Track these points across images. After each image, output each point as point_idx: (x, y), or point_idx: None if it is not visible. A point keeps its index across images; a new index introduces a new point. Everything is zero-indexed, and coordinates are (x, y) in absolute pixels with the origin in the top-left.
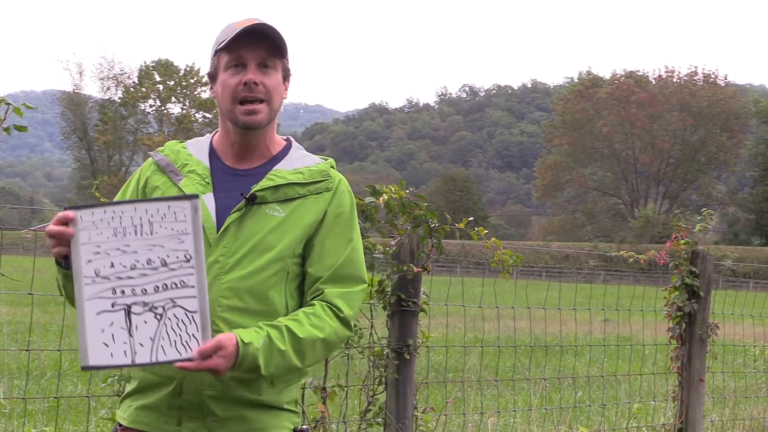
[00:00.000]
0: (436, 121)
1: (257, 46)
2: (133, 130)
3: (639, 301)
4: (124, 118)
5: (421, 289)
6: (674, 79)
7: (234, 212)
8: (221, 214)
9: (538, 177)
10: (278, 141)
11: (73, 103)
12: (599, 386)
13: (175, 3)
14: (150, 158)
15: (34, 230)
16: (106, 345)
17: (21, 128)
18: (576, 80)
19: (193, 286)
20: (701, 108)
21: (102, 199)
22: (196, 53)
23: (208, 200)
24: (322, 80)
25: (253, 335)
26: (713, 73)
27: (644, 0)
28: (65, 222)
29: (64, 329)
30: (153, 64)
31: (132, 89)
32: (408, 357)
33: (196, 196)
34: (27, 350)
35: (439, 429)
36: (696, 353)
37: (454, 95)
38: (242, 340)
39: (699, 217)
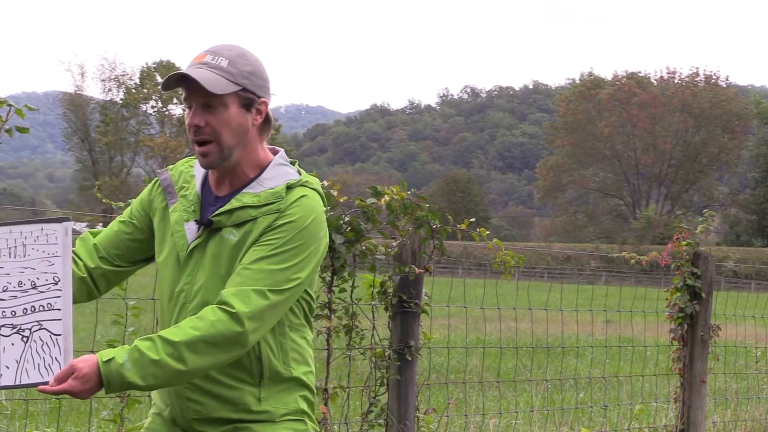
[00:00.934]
0: (437, 122)
1: (194, 87)
2: (134, 132)
3: (641, 303)
4: (125, 120)
5: (423, 290)
6: (676, 80)
7: (195, 240)
8: None
9: (540, 178)
10: (262, 159)
11: (75, 104)
12: (601, 387)
13: (176, 4)
14: (157, 178)
15: None
16: None
17: (23, 129)
18: (577, 81)
19: (59, 309)
20: (703, 109)
21: (104, 200)
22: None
23: (190, 228)
24: (324, 81)
25: (117, 352)
26: (715, 74)
27: (646, 1)
28: None
29: None
30: (155, 66)
31: (134, 90)
32: (410, 358)
33: (67, 219)
34: None
35: (440, 430)
36: (698, 354)
37: (455, 96)
38: (101, 359)
39: (701, 219)
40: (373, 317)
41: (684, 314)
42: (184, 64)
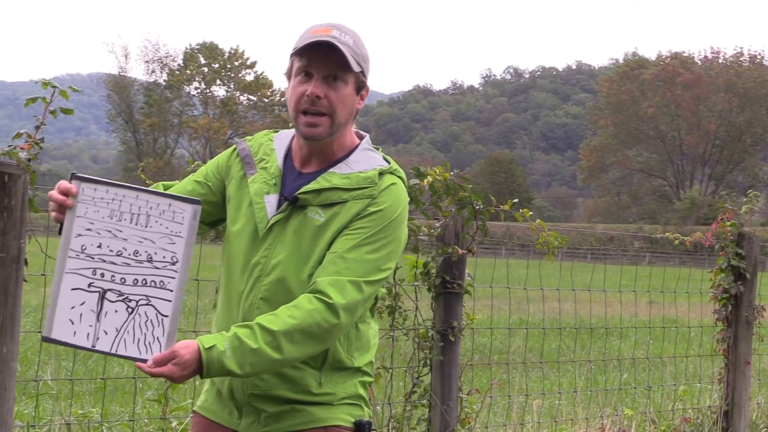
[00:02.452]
0: (480, 103)
1: (326, 58)
2: (178, 113)
3: (684, 283)
4: (169, 101)
5: (466, 271)
6: (720, 60)
7: (277, 214)
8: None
9: (583, 159)
10: (350, 142)
11: (119, 85)
12: (644, 368)
13: None
14: (234, 146)
15: None
16: (72, 322)
17: (67, 111)
18: (621, 61)
19: (171, 290)
20: (747, 89)
21: (147, 182)
22: (240, 36)
23: (270, 201)
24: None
25: (217, 339)
26: (759, 53)
27: None
28: (67, 193)
29: None
30: (198, 47)
31: (177, 72)
32: (453, 339)
33: (198, 202)
34: None
35: (484, 411)
36: (742, 335)
37: (498, 77)
38: (203, 346)
39: (745, 199)
40: (417, 298)
41: (728, 295)
42: (228, 46)
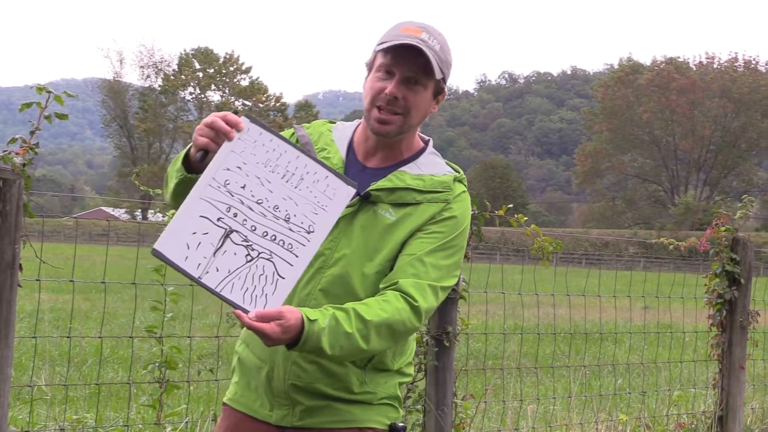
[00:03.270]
0: (475, 108)
1: (411, 61)
2: (173, 118)
3: (679, 288)
4: (164, 106)
5: (461, 276)
6: (715, 66)
7: (347, 207)
8: None
9: (578, 164)
10: (416, 144)
11: (114, 90)
12: (639, 373)
13: None
14: (293, 129)
15: (75, 218)
16: (188, 247)
17: (62, 116)
18: (616, 67)
19: (297, 257)
20: (742, 94)
21: (141, 187)
22: (235, 41)
23: None
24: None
25: (319, 314)
26: (754, 59)
27: None
28: (234, 125)
29: (105, 316)
30: (192, 52)
31: (172, 77)
32: (447, 344)
33: (355, 187)
34: (68, 337)
35: (478, 416)
36: (737, 340)
37: (493, 82)
38: (308, 317)
39: (740, 204)
40: None
41: (723, 300)
42: (222, 51)
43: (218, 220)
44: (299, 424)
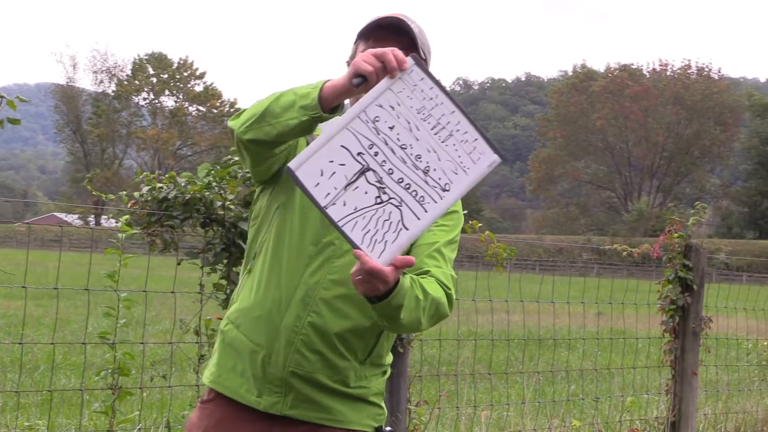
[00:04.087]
0: None
1: (393, 41)
2: (126, 123)
3: (632, 295)
4: (117, 111)
5: None
6: (668, 73)
7: None
8: None
9: (532, 170)
10: None
11: (67, 96)
12: (592, 379)
13: None
14: None
15: (27, 223)
16: (321, 174)
17: (14, 121)
18: (570, 73)
19: (426, 212)
20: (695, 101)
21: (94, 193)
22: (189, 46)
23: None
24: (319, 73)
25: (403, 277)
26: (707, 66)
27: None
28: (399, 63)
29: (58, 322)
30: (146, 57)
31: (125, 82)
32: (402, 350)
33: (500, 156)
34: (20, 343)
35: (432, 422)
36: (689, 346)
37: (448, 88)
38: (404, 272)
39: (692, 211)
40: None
41: (675, 306)
42: (176, 57)
43: (358, 154)
44: (289, 413)
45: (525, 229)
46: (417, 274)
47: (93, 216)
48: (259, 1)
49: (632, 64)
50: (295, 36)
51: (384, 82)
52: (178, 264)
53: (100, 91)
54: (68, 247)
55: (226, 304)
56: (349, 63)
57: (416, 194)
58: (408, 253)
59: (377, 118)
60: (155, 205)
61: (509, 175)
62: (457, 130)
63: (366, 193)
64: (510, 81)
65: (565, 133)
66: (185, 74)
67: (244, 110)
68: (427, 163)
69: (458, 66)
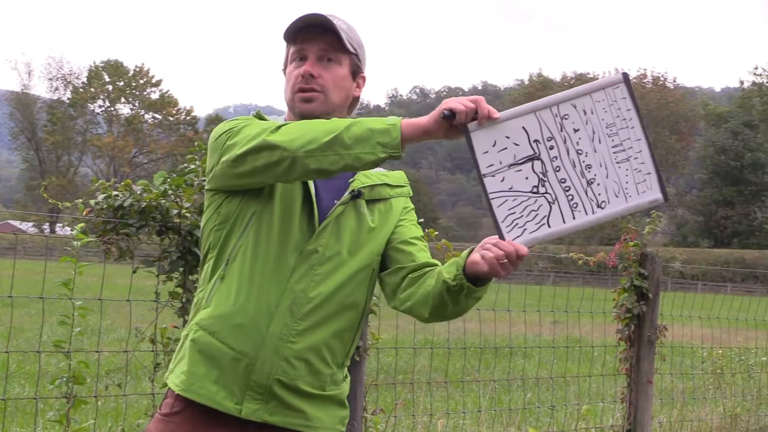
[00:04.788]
0: None
1: (319, 39)
2: (82, 131)
3: (588, 303)
4: (72, 119)
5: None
6: None
7: (339, 205)
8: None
9: None
10: None
11: (22, 103)
12: (548, 388)
13: (124, 3)
14: (255, 114)
15: None
16: (494, 144)
17: None
18: (526, 82)
19: (574, 218)
20: (650, 110)
21: (50, 200)
22: (145, 54)
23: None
24: (273, 81)
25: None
26: (662, 75)
27: (593, 2)
28: (491, 113)
29: (12, 330)
30: (102, 65)
31: (81, 90)
32: (358, 359)
33: (665, 199)
34: None
35: (388, 430)
36: (644, 355)
37: (404, 97)
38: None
39: (648, 220)
40: None
41: (631, 315)
42: (132, 64)
43: (534, 141)
44: (270, 419)
45: (481, 237)
46: (424, 266)
47: (48, 224)
48: (215, 9)
49: (588, 73)
50: (251, 44)
51: (586, 86)
52: (134, 272)
53: (55, 98)
54: (23, 255)
55: (182, 312)
56: (284, 71)
57: (572, 199)
58: (404, 246)
59: (566, 116)
60: (111, 213)
61: (466, 183)
62: (635, 158)
63: (527, 178)
64: (467, 89)
65: None
66: (141, 82)
67: (280, 124)
68: (595, 175)
69: (415, 74)
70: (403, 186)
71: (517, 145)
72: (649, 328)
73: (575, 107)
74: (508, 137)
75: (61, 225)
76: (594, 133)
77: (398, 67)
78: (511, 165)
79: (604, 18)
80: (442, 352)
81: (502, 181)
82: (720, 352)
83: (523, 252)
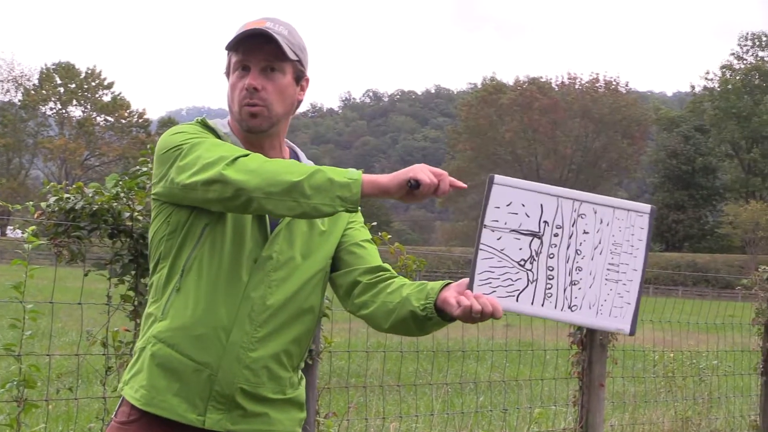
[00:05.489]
0: (339, 126)
1: (261, 50)
2: (33, 133)
3: None
4: (24, 121)
5: (325, 294)
6: (576, 86)
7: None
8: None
9: None
10: (286, 147)
11: None
12: (501, 391)
13: (75, 4)
14: (199, 121)
15: None
16: (507, 204)
17: None
18: (479, 86)
19: (542, 306)
20: (603, 114)
21: (0, 203)
22: (97, 56)
23: None
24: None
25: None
26: (615, 80)
27: (548, 8)
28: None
29: None
30: (54, 67)
31: (32, 92)
32: (310, 362)
33: (631, 332)
34: None
35: None
36: (596, 358)
37: (357, 100)
38: None
39: None
40: None
41: None
42: (84, 66)
43: (544, 222)
44: (233, 428)
45: (434, 241)
46: (386, 275)
47: None
48: (167, 11)
49: (541, 78)
50: (204, 47)
51: (615, 201)
52: (86, 275)
53: (6, 100)
54: None
55: (134, 315)
56: (226, 74)
57: (549, 288)
58: (355, 249)
59: (583, 215)
60: (62, 215)
61: None
62: (624, 285)
63: (520, 249)
64: (420, 93)
65: (474, 146)
66: (93, 84)
67: (237, 156)
68: (580, 279)
69: (368, 78)
70: None
71: (528, 216)
72: (601, 331)
73: (595, 213)
74: (523, 205)
75: (11, 228)
76: (600, 243)
77: (351, 69)
78: (513, 230)
79: (557, 23)
80: (395, 356)
81: (498, 239)
82: (671, 355)
83: (499, 315)
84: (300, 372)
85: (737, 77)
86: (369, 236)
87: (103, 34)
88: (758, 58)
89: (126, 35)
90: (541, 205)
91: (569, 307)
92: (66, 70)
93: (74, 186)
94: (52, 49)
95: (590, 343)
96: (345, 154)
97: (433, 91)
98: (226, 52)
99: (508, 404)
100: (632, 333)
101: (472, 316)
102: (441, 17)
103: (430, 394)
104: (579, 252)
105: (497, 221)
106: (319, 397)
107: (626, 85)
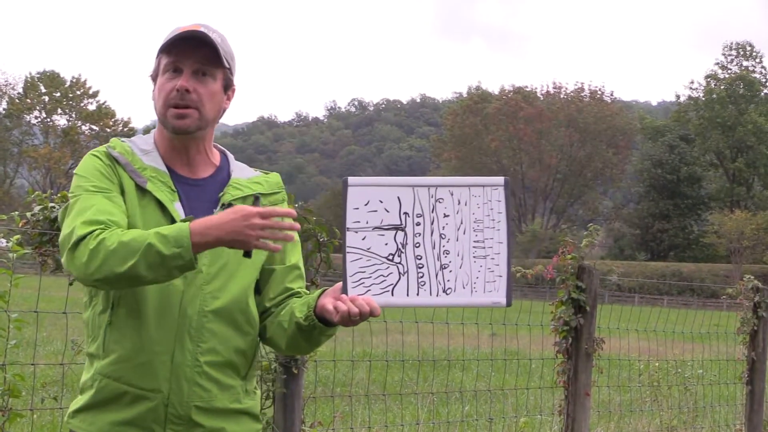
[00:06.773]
0: (325, 135)
1: (195, 52)
2: (17, 142)
3: (526, 316)
4: (8, 130)
5: None
6: (561, 95)
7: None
8: None
9: None
10: (216, 151)
11: None
12: (486, 400)
13: (60, 13)
14: (104, 150)
15: None
16: (365, 204)
17: None
18: (465, 95)
19: (417, 295)
20: (588, 124)
21: None
22: (82, 65)
23: (179, 209)
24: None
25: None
26: (600, 89)
27: (533, 17)
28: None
29: None
30: (38, 75)
31: (17, 100)
32: (296, 371)
33: (508, 304)
34: None
35: None
36: (582, 367)
37: (343, 109)
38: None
39: (585, 232)
40: None
41: (568, 327)
42: (69, 75)
43: (404, 213)
44: None
45: None
46: (289, 295)
47: None
48: (152, 21)
49: (526, 87)
50: None
51: (468, 179)
52: (70, 284)
53: None
54: None
55: None
56: (153, 78)
57: (421, 276)
58: (276, 273)
59: (441, 200)
60: (47, 224)
61: None
62: (492, 259)
63: (386, 244)
64: (405, 102)
65: (460, 155)
66: (78, 93)
67: (88, 233)
68: (450, 262)
69: (353, 87)
70: (277, 193)
71: (388, 211)
72: (587, 340)
73: (452, 195)
74: (381, 201)
75: None
76: (461, 223)
77: (337, 78)
78: (376, 228)
79: (543, 33)
80: (381, 365)
81: (363, 239)
82: (657, 364)
83: (377, 313)
84: (254, 381)
85: (722, 87)
86: (299, 261)
87: (87, 43)
88: (742, 68)
89: (111, 44)
90: (399, 197)
91: (444, 291)
92: (51, 79)
93: (59, 195)
94: (37, 57)
95: (576, 352)
96: (330, 163)
97: (418, 100)
98: (156, 56)
99: (493, 413)
100: (509, 304)
101: (351, 320)
102: (426, 26)
103: (415, 404)
104: (443, 236)
105: (358, 222)
106: (305, 407)
107: (611, 95)
